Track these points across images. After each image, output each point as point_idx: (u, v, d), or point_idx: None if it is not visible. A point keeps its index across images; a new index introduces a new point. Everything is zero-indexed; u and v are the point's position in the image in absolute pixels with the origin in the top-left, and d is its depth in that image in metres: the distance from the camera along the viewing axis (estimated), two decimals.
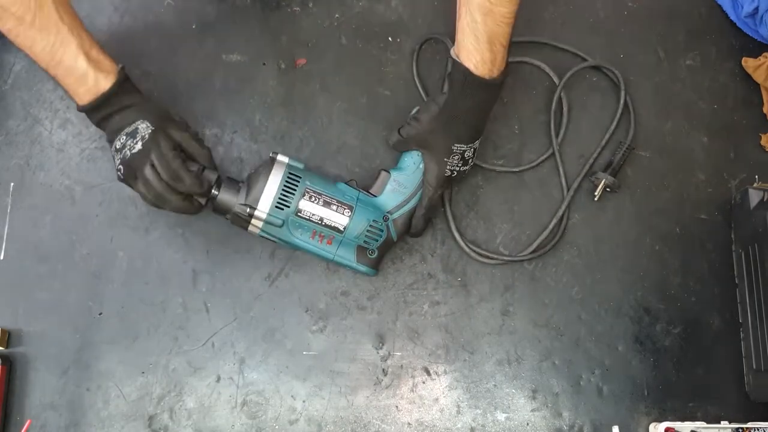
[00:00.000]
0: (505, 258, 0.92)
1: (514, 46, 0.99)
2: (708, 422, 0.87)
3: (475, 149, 0.88)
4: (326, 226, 0.85)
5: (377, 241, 0.86)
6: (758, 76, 0.99)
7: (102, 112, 0.82)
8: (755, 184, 0.94)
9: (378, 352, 0.90)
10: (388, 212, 0.87)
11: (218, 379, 0.89)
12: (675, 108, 0.99)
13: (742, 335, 0.92)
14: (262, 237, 0.86)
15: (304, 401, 0.89)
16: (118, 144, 0.82)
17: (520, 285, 0.93)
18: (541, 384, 0.90)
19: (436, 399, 0.90)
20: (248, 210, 0.83)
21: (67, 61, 0.79)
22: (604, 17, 1.02)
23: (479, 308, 0.92)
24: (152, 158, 0.81)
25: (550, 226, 0.93)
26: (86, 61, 0.79)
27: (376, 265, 0.88)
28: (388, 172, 0.89)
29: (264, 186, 0.83)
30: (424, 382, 0.90)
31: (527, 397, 0.90)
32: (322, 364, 0.90)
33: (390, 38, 1.00)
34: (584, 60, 0.99)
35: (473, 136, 0.87)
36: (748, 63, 0.99)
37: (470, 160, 0.88)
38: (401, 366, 0.90)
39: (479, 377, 0.90)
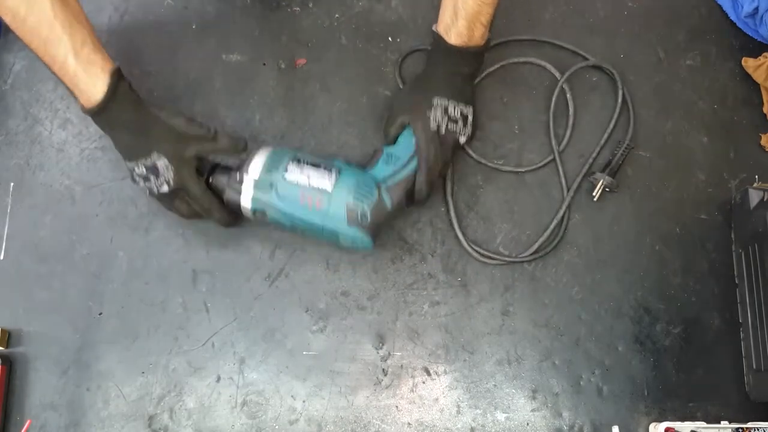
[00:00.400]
0: (507, 259, 0.92)
1: (514, 45, 1.00)
2: (708, 422, 0.87)
3: (462, 112, 0.88)
4: (314, 187, 0.84)
5: (368, 201, 0.85)
6: (758, 76, 0.99)
7: (101, 122, 0.82)
8: (755, 184, 0.94)
9: (378, 352, 0.90)
10: (381, 181, 0.87)
11: (218, 379, 0.89)
12: (675, 108, 0.99)
13: (742, 335, 0.92)
14: (256, 215, 0.86)
15: (304, 401, 0.89)
16: (137, 170, 0.84)
17: (520, 285, 0.93)
18: (541, 384, 0.90)
19: (436, 399, 0.90)
20: (239, 177, 0.84)
21: (60, 60, 0.77)
22: (604, 17, 1.02)
23: (479, 308, 0.92)
24: (184, 197, 0.86)
25: (551, 227, 0.93)
26: (75, 62, 0.77)
27: (371, 232, 0.86)
28: (382, 149, 0.90)
29: (254, 156, 0.85)
30: (424, 382, 0.90)
31: (527, 397, 0.90)
32: (322, 364, 0.90)
33: (390, 38, 1.00)
34: (584, 59, 0.99)
35: (455, 96, 0.88)
36: (748, 63, 0.99)
37: (460, 122, 0.88)
38: (401, 366, 0.90)
39: (479, 377, 0.90)
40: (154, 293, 0.91)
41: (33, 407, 0.87)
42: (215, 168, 0.87)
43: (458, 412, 0.89)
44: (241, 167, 0.85)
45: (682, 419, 0.88)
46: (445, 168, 0.91)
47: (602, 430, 0.89)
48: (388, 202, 0.86)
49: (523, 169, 0.96)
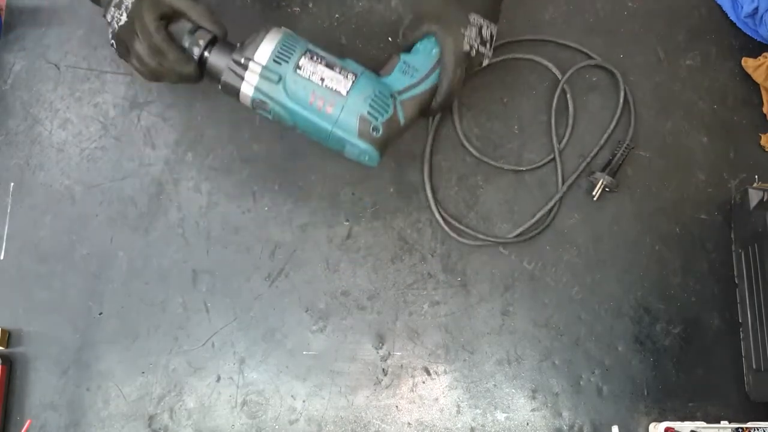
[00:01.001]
0: (481, 236, 0.92)
1: (513, 45, 1.00)
2: (708, 422, 0.87)
3: (492, 33, 0.83)
4: (327, 88, 0.77)
5: (383, 114, 0.78)
6: (758, 76, 0.99)
7: None
8: (755, 184, 0.94)
9: (378, 352, 0.90)
10: (396, 92, 0.80)
11: (218, 379, 0.89)
12: (675, 108, 0.99)
13: (742, 335, 0.92)
14: (255, 104, 0.79)
15: (304, 401, 0.89)
16: (108, 17, 0.78)
17: (520, 285, 0.93)
18: (541, 384, 0.90)
19: (436, 399, 0.90)
20: (243, 60, 0.76)
21: None
22: (604, 17, 1.02)
23: (479, 308, 0.92)
24: (137, 31, 0.76)
25: (538, 215, 0.94)
26: None
27: (381, 147, 0.79)
28: (398, 56, 0.82)
29: (263, 38, 0.77)
30: (424, 382, 0.90)
31: (527, 397, 0.90)
32: (322, 364, 0.90)
33: (390, 38, 1.00)
34: (588, 57, 0.99)
35: (490, 14, 0.82)
36: (748, 63, 0.99)
37: (488, 44, 0.82)
38: (401, 366, 0.90)
39: (479, 377, 0.90)
40: (154, 293, 0.91)
41: (33, 407, 0.87)
42: (214, 42, 0.78)
43: (458, 411, 0.89)
44: (244, 48, 0.77)
45: (682, 419, 0.88)
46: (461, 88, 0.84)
47: (602, 430, 0.89)
48: (402, 117, 0.80)
49: (524, 168, 0.96)
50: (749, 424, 0.86)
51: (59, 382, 0.88)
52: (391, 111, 0.79)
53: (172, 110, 0.96)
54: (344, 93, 0.77)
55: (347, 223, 0.93)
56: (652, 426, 0.88)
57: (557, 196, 0.94)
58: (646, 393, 0.90)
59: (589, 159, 0.96)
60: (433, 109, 0.83)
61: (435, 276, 0.93)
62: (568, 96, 0.97)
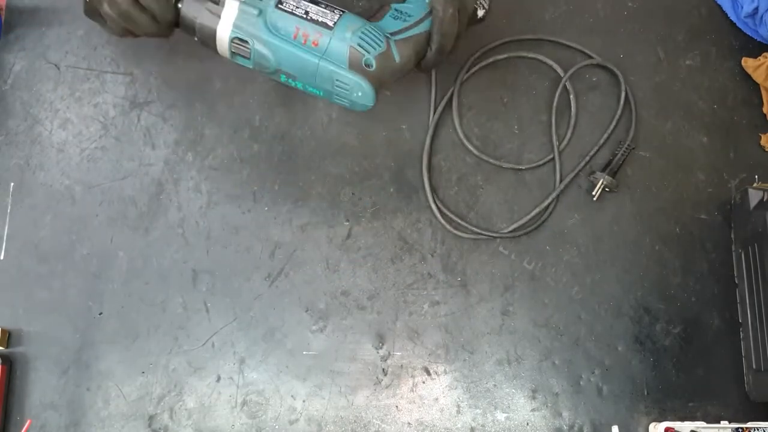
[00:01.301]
0: (475, 229, 0.92)
1: (514, 44, 1.00)
2: (708, 422, 0.87)
3: None
4: (312, 21, 0.72)
5: (375, 48, 0.73)
6: (758, 76, 0.99)
7: None
8: (755, 184, 0.94)
9: (378, 352, 0.90)
10: (389, 33, 0.76)
11: (218, 379, 0.89)
12: (675, 108, 0.99)
13: (742, 335, 0.92)
14: (234, 47, 0.74)
15: (304, 401, 0.89)
16: None
17: (520, 285, 0.93)
18: (541, 384, 0.90)
19: (436, 399, 0.90)
20: None
21: None
22: (604, 17, 1.02)
23: (479, 308, 0.92)
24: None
25: (534, 212, 0.94)
26: None
27: (375, 82, 0.73)
28: (389, 5, 0.79)
29: None
30: (424, 382, 0.90)
31: (527, 397, 0.90)
32: (322, 364, 0.90)
33: None
34: (588, 57, 0.99)
35: None
36: (748, 63, 0.99)
37: None
38: (401, 366, 0.90)
39: (479, 377, 0.90)
40: (154, 293, 0.91)
41: (33, 407, 0.87)
42: None
43: (458, 411, 0.89)
44: None
45: (682, 419, 0.88)
46: (458, 41, 0.81)
47: (602, 430, 0.89)
48: (397, 56, 0.75)
49: (523, 167, 0.96)
50: (749, 424, 0.86)
51: (59, 382, 0.88)
52: (384, 46, 0.74)
53: (172, 110, 0.96)
54: (331, 24, 0.72)
55: (347, 223, 0.93)
56: (652, 426, 0.88)
57: (554, 194, 0.94)
58: (646, 393, 0.90)
59: (588, 158, 0.96)
60: (428, 60, 0.79)
61: (435, 276, 0.93)
62: (571, 96, 0.97)
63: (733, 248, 0.95)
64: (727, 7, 1.02)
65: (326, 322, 0.91)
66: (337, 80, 0.73)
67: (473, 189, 0.96)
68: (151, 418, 0.87)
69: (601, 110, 0.99)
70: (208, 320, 0.90)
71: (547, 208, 0.94)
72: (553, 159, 0.96)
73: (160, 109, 0.96)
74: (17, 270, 0.91)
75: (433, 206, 0.93)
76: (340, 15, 0.74)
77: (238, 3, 0.71)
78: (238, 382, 0.89)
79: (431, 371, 0.90)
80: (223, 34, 0.72)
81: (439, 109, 0.97)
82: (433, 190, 0.94)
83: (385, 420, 0.89)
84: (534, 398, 0.90)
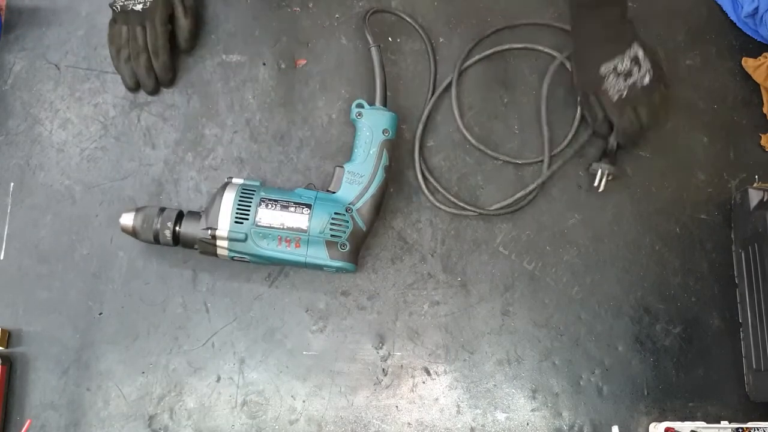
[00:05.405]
0: (460, 203, 0.93)
1: (514, 43, 1.00)
2: (708, 422, 0.87)
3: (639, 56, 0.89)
4: (289, 229, 0.85)
5: (345, 232, 0.86)
6: (758, 76, 0.99)
7: None
8: (755, 184, 0.94)
9: (378, 352, 0.90)
10: (350, 204, 0.88)
11: (218, 379, 0.89)
12: (675, 108, 0.99)
13: (742, 335, 0.92)
14: (234, 259, 0.87)
15: (304, 401, 0.89)
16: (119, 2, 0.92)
17: (520, 285, 0.93)
18: (541, 384, 0.90)
19: (436, 399, 0.90)
20: (210, 232, 0.85)
21: None
22: None
23: (479, 308, 0.92)
24: (146, 24, 0.91)
25: (519, 194, 0.94)
26: None
27: (353, 259, 0.87)
28: (342, 167, 0.89)
29: (219, 205, 0.85)
30: (424, 382, 0.90)
31: (527, 397, 0.90)
32: (322, 364, 0.90)
33: (390, 38, 1.00)
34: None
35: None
36: (748, 63, 0.99)
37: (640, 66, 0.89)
38: (401, 366, 0.90)
39: (479, 377, 0.90)
40: (154, 293, 0.91)
41: (33, 407, 0.87)
42: (181, 216, 0.87)
43: (458, 412, 0.89)
44: (207, 217, 0.85)
45: (682, 419, 0.88)
46: (647, 131, 0.91)
47: (602, 430, 0.89)
48: (362, 224, 0.88)
49: (520, 161, 0.96)
50: (749, 424, 0.86)
51: (59, 382, 0.88)
52: (351, 224, 0.87)
53: (172, 110, 0.96)
54: (305, 228, 0.86)
55: None
56: (652, 426, 0.88)
57: (539, 180, 0.94)
58: (646, 393, 0.90)
59: (574, 144, 0.96)
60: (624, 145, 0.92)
61: (435, 276, 0.93)
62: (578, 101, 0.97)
63: (733, 248, 0.95)
64: (727, 7, 1.02)
65: (326, 323, 0.91)
66: (324, 267, 0.87)
67: (473, 189, 0.96)
68: (151, 418, 0.87)
69: None
70: (208, 320, 0.90)
71: (533, 189, 0.94)
72: (553, 156, 0.96)
73: (160, 109, 0.96)
74: (17, 270, 0.91)
75: (419, 172, 0.94)
76: (309, 214, 0.86)
77: (226, 232, 0.85)
78: (238, 382, 0.89)
79: (431, 371, 0.90)
80: (222, 254, 0.87)
81: (437, 92, 0.97)
82: (433, 191, 0.94)
83: (385, 420, 0.89)
84: (534, 398, 0.90)
